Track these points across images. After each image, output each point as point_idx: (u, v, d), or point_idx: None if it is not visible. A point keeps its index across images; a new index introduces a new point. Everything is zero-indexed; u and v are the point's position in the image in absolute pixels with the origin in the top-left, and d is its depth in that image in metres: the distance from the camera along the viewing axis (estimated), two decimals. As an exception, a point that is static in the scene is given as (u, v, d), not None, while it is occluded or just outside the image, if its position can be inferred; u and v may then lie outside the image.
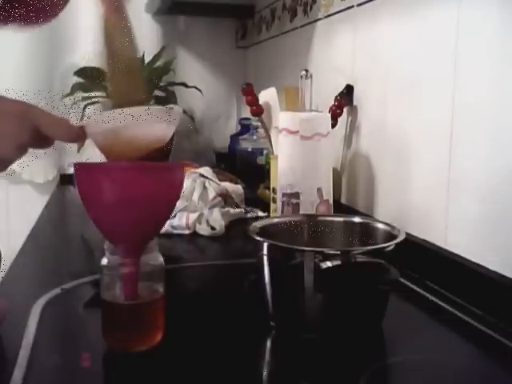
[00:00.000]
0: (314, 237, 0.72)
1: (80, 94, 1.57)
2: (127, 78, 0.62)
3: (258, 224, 0.68)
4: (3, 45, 1.60)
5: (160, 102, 1.63)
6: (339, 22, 1.11)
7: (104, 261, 0.57)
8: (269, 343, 0.63)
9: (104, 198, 0.53)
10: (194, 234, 1.05)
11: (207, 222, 1.07)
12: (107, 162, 0.58)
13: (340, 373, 0.55)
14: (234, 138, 1.69)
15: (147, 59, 1.61)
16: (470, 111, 0.73)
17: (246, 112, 1.43)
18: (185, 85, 1.67)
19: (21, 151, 0.55)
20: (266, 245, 0.63)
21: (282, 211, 0.98)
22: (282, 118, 0.97)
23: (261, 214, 1.21)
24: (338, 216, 0.76)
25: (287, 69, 1.41)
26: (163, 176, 0.54)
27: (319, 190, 0.95)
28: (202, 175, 1.19)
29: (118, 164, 0.55)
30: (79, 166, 0.54)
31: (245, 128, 1.64)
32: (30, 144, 0.55)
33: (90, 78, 1.59)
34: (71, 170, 1.68)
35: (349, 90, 1.05)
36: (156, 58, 1.63)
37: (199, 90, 1.69)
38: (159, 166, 0.55)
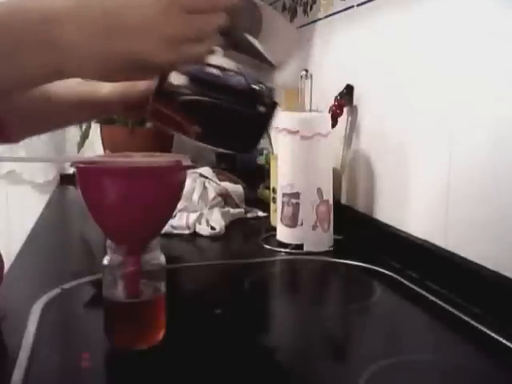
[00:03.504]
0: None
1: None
2: None
3: None
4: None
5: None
6: (339, 22, 1.11)
7: (106, 259, 0.57)
8: (269, 343, 0.63)
9: (106, 199, 0.53)
10: (194, 234, 1.05)
11: (207, 221, 1.07)
12: (109, 162, 0.58)
13: (340, 372, 0.55)
14: (234, 138, 1.69)
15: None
16: (470, 111, 0.73)
17: (246, 112, 1.43)
18: (185, 85, 1.67)
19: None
20: None
21: (282, 211, 0.98)
22: (282, 118, 0.97)
23: (261, 214, 1.21)
24: None
25: (287, 69, 1.41)
26: (165, 177, 0.54)
27: (319, 190, 0.95)
28: (202, 175, 1.19)
29: (119, 165, 0.55)
30: (81, 167, 0.54)
31: (245, 128, 1.63)
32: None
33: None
34: (71, 170, 1.68)
35: (349, 90, 1.05)
36: (156, 58, 1.63)
37: (199, 89, 1.69)
38: (161, 167, 0.55)
